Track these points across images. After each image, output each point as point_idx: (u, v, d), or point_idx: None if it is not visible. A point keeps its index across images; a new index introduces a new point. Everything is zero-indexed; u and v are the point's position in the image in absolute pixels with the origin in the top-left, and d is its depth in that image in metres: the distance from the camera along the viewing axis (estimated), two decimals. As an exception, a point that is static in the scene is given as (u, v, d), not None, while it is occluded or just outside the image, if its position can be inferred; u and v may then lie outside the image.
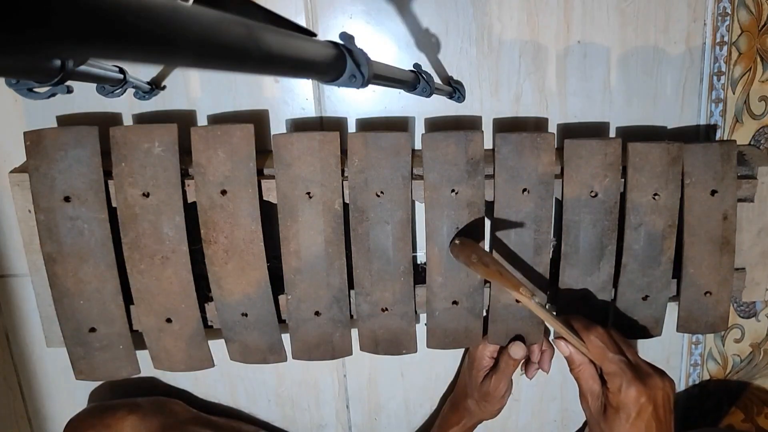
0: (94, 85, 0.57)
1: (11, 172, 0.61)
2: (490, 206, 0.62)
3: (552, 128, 0.68)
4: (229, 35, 0.21)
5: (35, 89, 0.44)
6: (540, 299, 0.56)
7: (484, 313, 0.65)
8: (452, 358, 0.77)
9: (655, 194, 0.61)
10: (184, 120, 0.66)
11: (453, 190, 0.60)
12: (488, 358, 0.66)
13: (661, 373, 0.55)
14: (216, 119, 0.67)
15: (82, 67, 0.45)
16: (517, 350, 0.63)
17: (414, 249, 0.67)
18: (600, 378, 0.56)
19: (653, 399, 0.53)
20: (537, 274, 0.62)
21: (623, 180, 0.61)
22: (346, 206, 0.61)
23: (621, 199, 0.61)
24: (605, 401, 0.55)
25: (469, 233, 0.61)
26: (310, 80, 0.66)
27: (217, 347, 0.64)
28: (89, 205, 0.59)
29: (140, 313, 0.62)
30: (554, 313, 0.58)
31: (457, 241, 0.58)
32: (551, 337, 0.66)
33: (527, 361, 0.67)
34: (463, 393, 0.69)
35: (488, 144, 0.65)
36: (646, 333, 0.65)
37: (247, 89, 0.66)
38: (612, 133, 0.68)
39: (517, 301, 0.62)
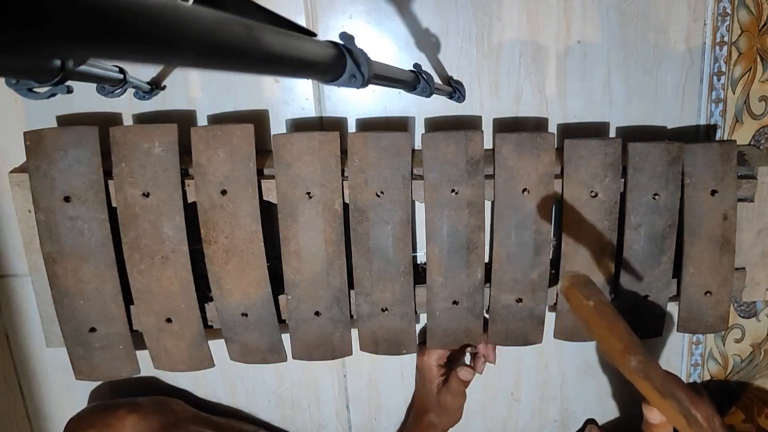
0: (94, 85, 0.57)
1: (11, 172, 0.61)
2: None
3: (552, 128, 0.68)
4: (229, 35, 0.21)
5: (35, 89, 0.44)
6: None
7: (485, 314, 0.65)
8: (452, 358, 0.77)
9: (655, 194, 0.61)
10: (184, 120, 0.66)
11: (453, 190, 0.60)
12: (436, 367, 0.67)
13: None
14: (216, 119, 0.67)
15: (82, 67, 0.45)
16: (467, 374, 0.65)
17: (414, 249, 0.67)
18: None
19: None
20: (537, 274, 0.62)
21: (623, 180, 0.61)
22: (346, 206, 0.61)
23: (621, 199, 0.61)
24: None
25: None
26: (310, 80, 0.66)
27: (217, 347, 0.64)
28: (89, 205, 0.59)
29: (140, 313, 0.62)
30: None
31: (590, 303, 0.46)
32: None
33: (474, 356, 0.69)
34: (423, 407, 0.70)
35: (488, 144, 0.65)
36: (646, 333, 0.65)
37: (247, 89, 0.66)
38: (612, 133, 0.68)
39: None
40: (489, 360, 0.68)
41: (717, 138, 0.69)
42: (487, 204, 0.63)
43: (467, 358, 0.72)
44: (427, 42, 0.65)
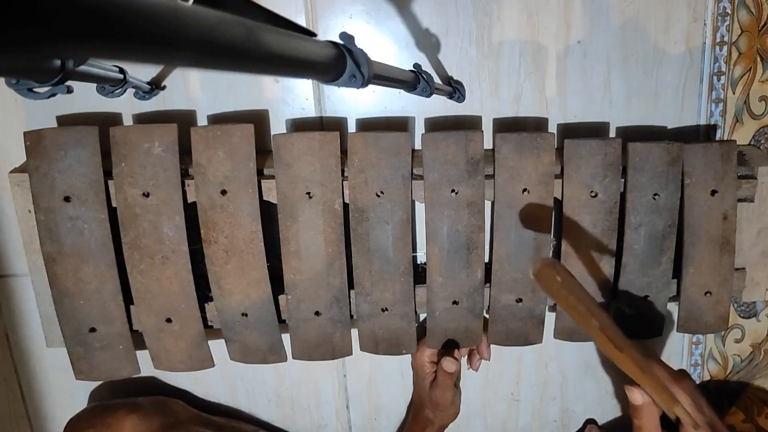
0: (94, 85, 0.57)
1: (11, 172, 0.61)
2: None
3: (552, 128, 0.68)
4: (229, 35, 0.21)
5: (35, 89, 0.44)
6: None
7: (485, 314, 0.65)
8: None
9: (655, 194, 0.61)
10: (184, 120, 0.66)
11: (453, 190, 0.60)
12: (429, 364, 0.67)
13: None
14: (216, 119, 0.67)
15: (82, 67, 0.45)
16: (449, 365, 0.64)
17: (414, 249, 0.67)
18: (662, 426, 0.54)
19: None
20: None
21: (623, 180, 0.61)
22: (346, 206, 0.61)
23: (621, 199, 0.61)
24: None
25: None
26: (310, 80, 0.66)
27: (217, 347, 0.64)
28: (89, 205, 0.59)
29: (140, 313, 0.62)
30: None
31: (558, 279, 0.49)
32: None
33: (469, 354, 0.69)
34: (419, 403, 0.70)
35: (488, 144, 0.65)
36: (646, 333, 0.65)
37: (247, 89, 0.66)
38: (612, 133, 0.68)
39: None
40: (483, 357, 0.68)
41: (717, 138, 0.69)
42: (487, 204, 0.63)
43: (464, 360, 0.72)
44: (427, 42, 0.65)
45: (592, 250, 0.62)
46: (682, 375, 0.56)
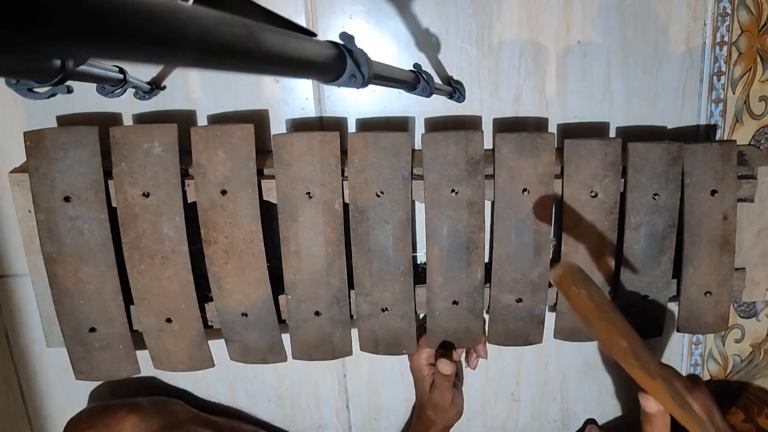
0: (94, 85, 0.57)
1: (11, 172, 0.61)
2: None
3: (552, 128, 0.68)
4: (229, 35, 0.21)
5: (35, 89, 0.44)
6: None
7: (485, 314, 0.65)
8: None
9: (655, 194, 0.61)
10: (184, 120, 0.66)
11: (453, 190, 0.60)
12: (426, 366, 0.67)
13: None
14: (216, 119, 0.67)
15: (82, 67, 0.45)
16: (445, 367, 0.63)
17: (414, 249, 0.67)
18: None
19: None
20: (537, 274, 0.62)
21: (623, 180, 0.61)
22: (346, 206, 0.61)
23: (621, 199, 0.61)
24: None
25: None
26: (310, 80, 0.66)
27: (217, 347, 0.64)
28: (89, 205, 0.59)
29: (140, 313, 0.62)
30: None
31: (578, 289, 0.46)
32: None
33: (467, 353, 0.68)
34: (422, 404, 0.70)
35: (488, 144, 0.65)
36: (646, 333, 0.65)
37: (247, 89, 0.66)
38: (612, 133, 0.68)
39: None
40: (480, 355, 0.67)
41: (717, 138, 0.69)
42: (487, 204, 0.63)
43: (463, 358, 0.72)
44: (427, 42, 0.65)
45: (592, 250, 0.62)
46: (695, 383, 0.56)
